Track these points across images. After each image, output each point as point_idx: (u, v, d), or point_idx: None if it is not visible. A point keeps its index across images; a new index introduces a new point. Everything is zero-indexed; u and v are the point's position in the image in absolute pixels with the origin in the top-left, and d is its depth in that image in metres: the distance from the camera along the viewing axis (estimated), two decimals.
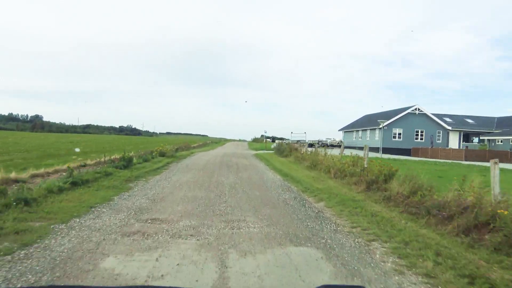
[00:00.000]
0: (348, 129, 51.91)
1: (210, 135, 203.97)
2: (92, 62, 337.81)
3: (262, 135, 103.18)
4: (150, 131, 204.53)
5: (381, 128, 40.38)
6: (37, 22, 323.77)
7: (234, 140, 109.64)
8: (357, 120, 53.87)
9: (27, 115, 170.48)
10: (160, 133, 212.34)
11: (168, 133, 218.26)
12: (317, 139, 50.05)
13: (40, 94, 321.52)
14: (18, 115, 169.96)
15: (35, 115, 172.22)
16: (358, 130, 47.50)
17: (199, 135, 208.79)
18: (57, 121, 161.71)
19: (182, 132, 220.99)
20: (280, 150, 27.26)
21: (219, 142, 60.21)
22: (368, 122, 47.94)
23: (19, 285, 3.19)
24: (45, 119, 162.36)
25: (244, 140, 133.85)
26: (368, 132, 44.48)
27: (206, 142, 52.48)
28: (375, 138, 42.15)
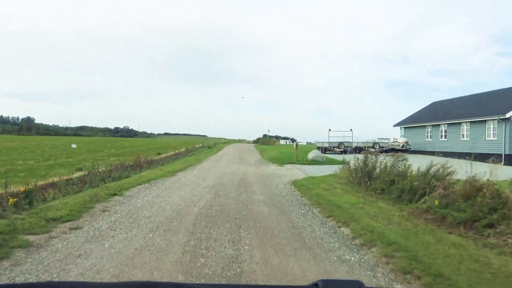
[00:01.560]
0: (410, 123, 33.74)
1: (209, 135, 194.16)
2: (88, 63, 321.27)
3: (264, 134, 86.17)
4: (147, 132, 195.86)
5: (505, 118, 22.36)
6: (34, 22, 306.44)
7: (234, 141, 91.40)
8: (422, 110, 35.70)
9: (18, 117, 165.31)
10: (158, 134, 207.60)
11: (166, 134, 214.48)
12: (371, 140, 31.88)
13: (34, 96, 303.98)
14: (8, 117, 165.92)
15: (27, 117, 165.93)
16: (437, 125, 29.32)
17: (198, 135, 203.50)
18: (51, 124, 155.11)
19: (180, 133, 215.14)
20: (390, 188, 9.06)
21: (213, 146, 41.91)
22: (448, 112, 29.88)
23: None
24: (38, 121, 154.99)
25: (243, 140, 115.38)
26: (465, 127, 26.32)
27: (192, 147, 34.24)
28: (487, 137, 24.03)
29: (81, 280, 3.58)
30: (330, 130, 29.79)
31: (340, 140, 30.31)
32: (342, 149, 29.29)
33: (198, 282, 2.94)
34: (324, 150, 29.96)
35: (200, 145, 39.63)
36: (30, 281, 3.54)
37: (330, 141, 29.87)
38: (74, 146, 23.61)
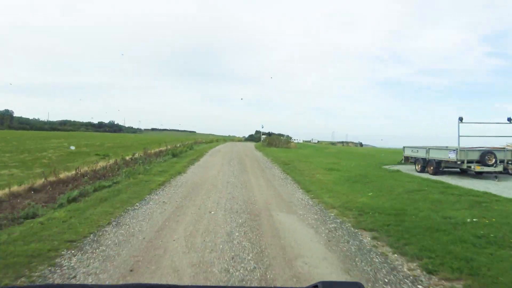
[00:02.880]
0: None
1: (198, 131, 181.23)
2: (74, 55, 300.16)
3: (257, 131, 72.61)
4: (133, 127, 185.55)
5: None
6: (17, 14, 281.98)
7: (223, 139, 73.60)
8: None
9: None
10: (144, 129, 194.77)
11: (153, 130, 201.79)
12: None
13: (16, 89, 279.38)
14: None
15: (5, 110, 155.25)
16: None
17: (187, 131, 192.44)
18: (31, 117, 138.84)
19: (168, 129, 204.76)
20: None
21: (188, 150, 23.47)
22: None
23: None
24: (18, 115, 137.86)
25: (234, 137, 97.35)
26: None
27: (144, 153, 16.32)
28: None
29: None
30: (461, 119, 12.23)
31: (479, 144, 12.90)
32: (496, 166, 11.98)
33: (198, 284, 3.05)
34: (437, 165, 12.78)
35: (166, 147, 21.61)
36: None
37: (461, 147, 12.36)
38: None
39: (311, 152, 25.78)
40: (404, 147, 15.82)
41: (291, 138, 39.95)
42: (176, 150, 18.83)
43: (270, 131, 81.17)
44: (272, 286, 3.36)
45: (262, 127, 72.08)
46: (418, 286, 3.58)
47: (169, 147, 23.77)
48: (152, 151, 18.62)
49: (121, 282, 3.40)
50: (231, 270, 3.82)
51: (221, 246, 4.59)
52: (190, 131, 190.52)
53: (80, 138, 43.42)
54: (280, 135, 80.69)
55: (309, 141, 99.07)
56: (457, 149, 12.31)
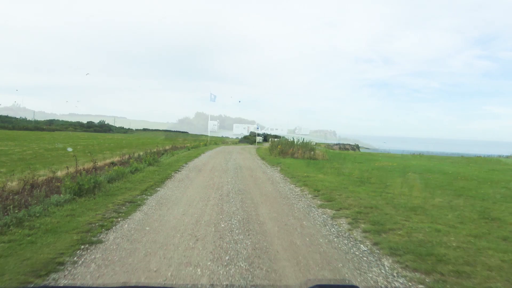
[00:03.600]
0: None
1: (191, 131, 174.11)
2: (68, 55, 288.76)
3: (251, 132, 67.30)
4: (124, 127, 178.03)
5: None
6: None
7: (215, 141, 63.39)
8: None
9: None
10: (136, 130, 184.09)
11: (145, 130, 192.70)
12: None
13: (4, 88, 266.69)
14: None
15: None
16: None
17: (179, 131, 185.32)
18: (18, 116, 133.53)
19: (161, 129, 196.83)
20: None
21: (152, 166, 13.13)
22: None
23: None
24: (3, 113, 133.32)
25: (226, 138, 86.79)
26: None
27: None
28: None
29: None
30: None
31: None
32: None
33: (193, 283, 2.98)
34: None
35: (94, 164, 10.93)
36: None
37: None
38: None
39: (364, 170, 15.20)
40: None
41: (314, 142, 28.72)
42: (106, 175, 8.20)
43: (265, 132, 71.22)
44: (271, 284, 3.36)
45: (257, 128, 62.38)
46: None
47: (115, 160, 13.26)
48: (44, 178, 8.02)
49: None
50: None
51: None
52: (183, 132, 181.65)
53: (28, 140, 32.59)
54: (275, 136, 70.93)
55: None
56: None
